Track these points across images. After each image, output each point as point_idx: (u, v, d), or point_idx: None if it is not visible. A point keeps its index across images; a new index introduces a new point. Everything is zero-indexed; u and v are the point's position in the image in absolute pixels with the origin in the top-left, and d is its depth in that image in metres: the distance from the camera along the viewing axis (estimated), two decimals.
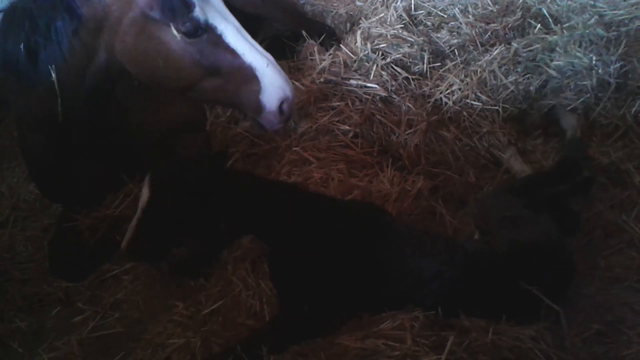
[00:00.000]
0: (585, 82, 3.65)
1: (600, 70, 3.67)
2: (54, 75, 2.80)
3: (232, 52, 2.76)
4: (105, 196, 3.42)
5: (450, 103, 3.69)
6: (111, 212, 3.32)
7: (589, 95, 3.64)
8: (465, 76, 3.81)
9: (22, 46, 2.76)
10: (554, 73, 3.74)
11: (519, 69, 3.85)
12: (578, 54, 3.73)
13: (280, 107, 2.83)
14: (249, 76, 2.79)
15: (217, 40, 2.73)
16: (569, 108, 3.64)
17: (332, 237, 2.52)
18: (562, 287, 2.52)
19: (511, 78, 3.78)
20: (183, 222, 2.58)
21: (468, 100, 3.70)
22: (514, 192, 3.06)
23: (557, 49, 3.84)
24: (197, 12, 2.63)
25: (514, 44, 3.95)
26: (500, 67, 3.82)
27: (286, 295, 2.62)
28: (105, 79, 2.96)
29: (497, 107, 3.70)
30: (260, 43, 4.35)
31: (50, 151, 3.18)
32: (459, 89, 3.73)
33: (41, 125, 3.09)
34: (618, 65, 3.70)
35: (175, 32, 2.65)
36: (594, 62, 3.69)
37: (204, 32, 2.68)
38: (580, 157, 3.29)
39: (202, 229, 2.71)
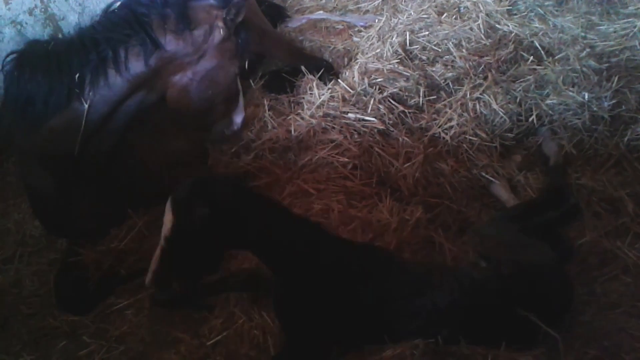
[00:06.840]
0: (577, 121, 3.70)
1: (594, 107, 3.71)
2: (86, 105, 2.92)
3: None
4: (109, 230, 3.48)
5: (448, 138, 3.72)
6: (115, 246, 3.38)
7: (581, 133, 3.68)
8: (463, 112, 3.81)
9: (76, 76, 2.90)
10: (547, 110, 3.79)
11: (509, 97, 3.87)
12: (571, 93, 3.78)
13: None
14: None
15: None
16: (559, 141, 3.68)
17: (343, 276, 2.48)
18: (563, 309, 2.57)
19: (504, 106, 3.79)
20: (211, 249, 2.33)
21: (466, 136, 3.72)
22: (508, 219, 3.13)
23: (551, 86, 3.87)
24: None
25: (506, 77, 4.01)
26: (494, 97, 3.83)
27: (291, 327, 2.60)
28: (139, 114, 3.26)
29: (495, 144, 3.72)
30: (260, 78, 4.53)
31: (55, 187, 3.25)
32: (457, 124, 3.75)
33: (48, 160, 3.16)
34: (612, 102, 3.74)
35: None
36: (586, 99, 3.72)
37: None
38: (564, 184, 3.36)
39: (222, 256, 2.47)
